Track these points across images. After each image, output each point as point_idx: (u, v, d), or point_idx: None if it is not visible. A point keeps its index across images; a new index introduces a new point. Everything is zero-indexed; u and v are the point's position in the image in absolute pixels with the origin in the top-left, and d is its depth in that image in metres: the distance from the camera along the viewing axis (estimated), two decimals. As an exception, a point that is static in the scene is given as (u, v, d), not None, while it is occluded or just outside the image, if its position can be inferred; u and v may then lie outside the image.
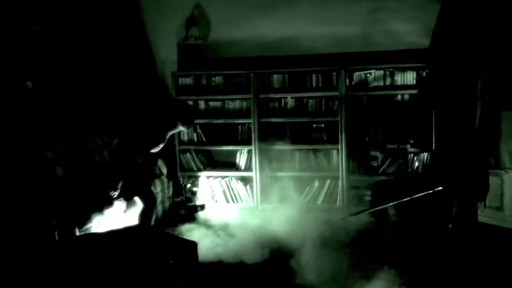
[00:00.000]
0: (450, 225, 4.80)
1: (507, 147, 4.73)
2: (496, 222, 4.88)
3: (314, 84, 5.84)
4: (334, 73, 5.71)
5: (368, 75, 5.66)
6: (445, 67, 5.39)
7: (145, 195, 4.76)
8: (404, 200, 4.78)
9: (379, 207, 5.17)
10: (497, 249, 4.44)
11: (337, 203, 5.74)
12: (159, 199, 5.41)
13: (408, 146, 5.60)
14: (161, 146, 4.85)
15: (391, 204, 4.98)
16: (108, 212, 4.48)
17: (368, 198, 5.67)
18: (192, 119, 5.01)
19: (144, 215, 4.72)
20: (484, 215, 4.96)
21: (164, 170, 5.75)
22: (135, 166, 4.72)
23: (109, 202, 4.55)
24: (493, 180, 4.86)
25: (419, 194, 4.75)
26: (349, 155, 5.71)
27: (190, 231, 5.05)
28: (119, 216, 4.63)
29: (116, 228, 4.00)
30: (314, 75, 5.82)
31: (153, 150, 4.82)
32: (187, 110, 5.03)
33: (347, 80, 5.65)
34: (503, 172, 4.77)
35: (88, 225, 4.22)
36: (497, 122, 4.83)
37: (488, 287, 3.85)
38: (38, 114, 5.08)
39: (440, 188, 4.70)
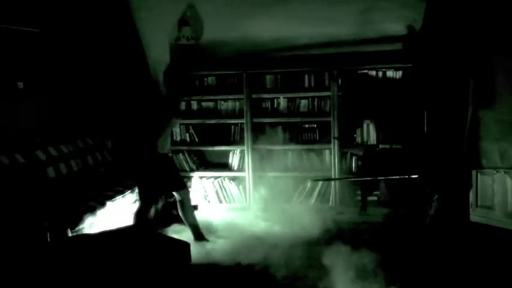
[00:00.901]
0: (427, 221, 4.84)
1: (498, 147, 4.77)
2: (487, 222, 4.92)
3: (306, 85, 5.85)
4: (326, 73, 5.72)
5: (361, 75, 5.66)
6: (431, 67, 5.41)
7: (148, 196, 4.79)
8: (379, 178, 4.86)
9: (351, 179, 5.38)
10: (488, 249, 4.47)
11: (330, 203, 5.75)
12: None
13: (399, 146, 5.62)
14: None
15: (362, 179, 5.06)
16: (100, 212, 4.46)
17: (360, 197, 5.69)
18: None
19: (140, 215, 4.74)
20: (476, 215, 4.99)
21: (157, 171, 5.73)
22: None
23: (101, 203, 4.54)
24: (484, 179, 4.91)
25: (394, 177, 4.84)
26: (342, 155, 5.73)
27: (183, 232, 5.04)
28: (113, 216, 4.62)
29: (108, 229, 3.99)
30: (306, 76, 5.84)
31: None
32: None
33: (339, 80, 5.66)
34: (494, 172, 4.80)
35: (80, 226, 4.20)
36: (488, 122, 4.87)
37: (480, 286, 3.87)
38: (29, 115, 5.05)
39: (416, 176, 4.77)
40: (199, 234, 4.89)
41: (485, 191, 4.90)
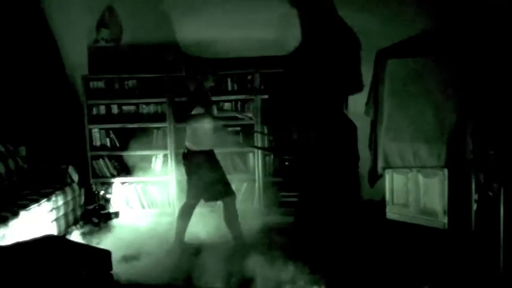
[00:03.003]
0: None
1: (412, 148, 4.98)
2: (403, 219, 5.13)
3: (230, 88, 5.87)
4: (249, 76, 5.76)
5: (283, 78, 5.74)
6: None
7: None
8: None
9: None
10: (405, 244, 4.67)
11: (254, 205, 5.80)
12: (70, 207, 5.22)
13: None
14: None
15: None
16: (13, 223, 4.24)
17: (285, 199, 5.79)
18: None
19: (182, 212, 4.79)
20: (392, 212, 5.20)
21: (75, 177, 5.55)
22: None
23: (14, 213, 4.33)
24: (398, 178, 5.12)
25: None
26: (265, 158, 5.80)
27: (103, 240, 4.91)
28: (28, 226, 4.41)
29: (22, 240, 3.81)
30: (229, 79, 5.85)
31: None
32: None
33: (262, 84, 5.73)
34: (408, 171, 5.02)
35: (-9, 238, 3.99)
36: (402, 123, 5.08)
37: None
38: None
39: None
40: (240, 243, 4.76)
41: (400, 189, 5.12)
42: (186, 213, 4.79)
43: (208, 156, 4.72)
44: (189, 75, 4.76)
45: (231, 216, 4.77)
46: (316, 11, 5.69)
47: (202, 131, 4.65)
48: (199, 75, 4.70)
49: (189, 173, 4.72)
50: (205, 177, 4.64)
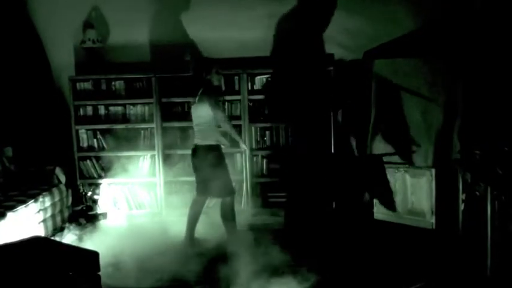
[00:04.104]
0: None
1: (399, 147, 5.03)
2: (391, 219, 5.17)
3: (217, 89, 5.86)
4: (236, 77, 5.76)
5: (269, 79, 5.77)
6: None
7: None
8: None
9: None
10: (393, 245, 4.70)
11: (242, 206, 5.79)
12: (57, 208, 5.18)
13: None
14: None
15: None
16: (0, 224, 4.20)
17: (273, 199, 5.80)
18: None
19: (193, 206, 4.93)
20: (380, 213, 5.23)
21: (62, 178, 5.51)
22: None
23: (1, 214, 4.29)
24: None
25: None
26: (253, 158, 5.80)
27: (91, 241, 4.88)
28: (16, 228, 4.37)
29: (9, 241, 3.77)
30: (217, 79, 5.84)
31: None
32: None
33: (249, 84, 5.73)
34: (395, 171, 5.06)
35: (-23, 240, 3.94)
36: (389, 124, 5.13)
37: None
38: None
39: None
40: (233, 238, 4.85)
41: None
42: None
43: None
44: (195, 73, 4.90)
45: (227, 214, 4.86)
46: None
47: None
48: (205, 74, 4.80)
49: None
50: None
